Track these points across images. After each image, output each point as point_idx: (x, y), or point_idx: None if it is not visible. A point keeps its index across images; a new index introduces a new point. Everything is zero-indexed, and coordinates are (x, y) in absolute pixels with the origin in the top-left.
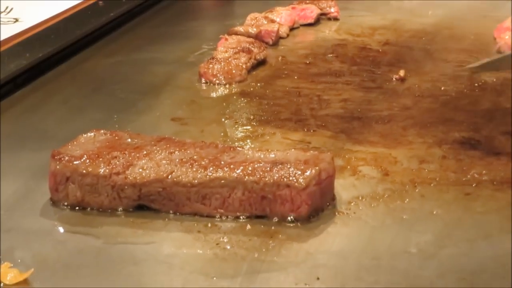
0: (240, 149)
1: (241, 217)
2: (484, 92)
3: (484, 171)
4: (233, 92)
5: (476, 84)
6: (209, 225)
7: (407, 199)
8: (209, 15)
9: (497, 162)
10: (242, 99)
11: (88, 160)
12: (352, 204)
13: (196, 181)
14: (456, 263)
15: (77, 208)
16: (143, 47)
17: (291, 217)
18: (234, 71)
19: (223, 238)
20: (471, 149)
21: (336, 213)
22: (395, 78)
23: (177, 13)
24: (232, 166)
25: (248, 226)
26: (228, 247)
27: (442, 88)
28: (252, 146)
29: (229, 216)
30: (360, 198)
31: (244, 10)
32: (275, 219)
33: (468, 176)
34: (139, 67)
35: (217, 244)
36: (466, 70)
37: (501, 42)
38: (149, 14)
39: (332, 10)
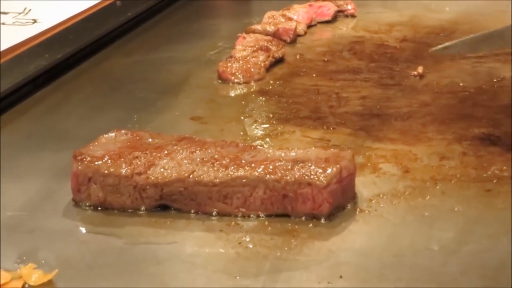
0: (260, 147)
1: (262, 215)
2: (503, 88)
3: (504, 167)
4: (251, 90)
5: (494, 80)
6: (231, 224)
7: (428, 196)
8: (226, 13)
9: None
10: (261, 97)
11: (109, 161)
12: (373, 201)
13: (217, 180)
14: (479, 259)
15: (99, 208)
16: (161, 46)
17: (313, 215)
18: (252, 70)
19: (245, 237)
20: (491, 145)
21: (357, 211)
22: (414, 75)
23: (194, 12)
24: (253, 165)
25: (270, 225)
26: (250, 246)
27: (461, 84)
28: (272, 144)
29: (250, 215)
30: (381, 196)
31: (261, 8)
32: (297, 217)
33: (489, 173)
34: (157, 66)
35: (239, 243)
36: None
37: None
38: (166, 13)
39: (349, 7)
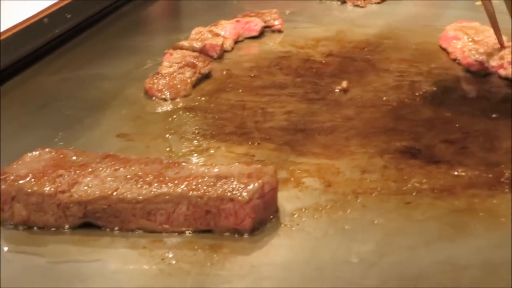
0: (184, 164)
1: (186, 232)
2: (425, 101)
3: (424, 180)
4: (178, 107)
5: (417, 94)
6: (155, 240)
7: (349, 210)
8: (154, 30)
9: (436, 170)
10: (187, 113)
11: (33, 179)
12: (296, 215)
13: (140, 197)
14: (397, 270)
15: (22, 227)
16: (89, 63)
17: (235, 230)
18: (179, 86)
19: (168, 253)
20: (411, 158)
21: (280, 225)
22: (338, 89)
23: (123, 28)
24: (176, 182)
25: (193, 241)
26: (173, 262)
27: (384, 98)
28: (197, 160)
29: (174, 231)
30: (303, 210)
31: (190, 24)
32: (220, 233)
33: (409, 185)
34: (85, 83)
35: (162, 259)
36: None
37: (455, 50)
38: (94, 30)
39: (276, 22)
